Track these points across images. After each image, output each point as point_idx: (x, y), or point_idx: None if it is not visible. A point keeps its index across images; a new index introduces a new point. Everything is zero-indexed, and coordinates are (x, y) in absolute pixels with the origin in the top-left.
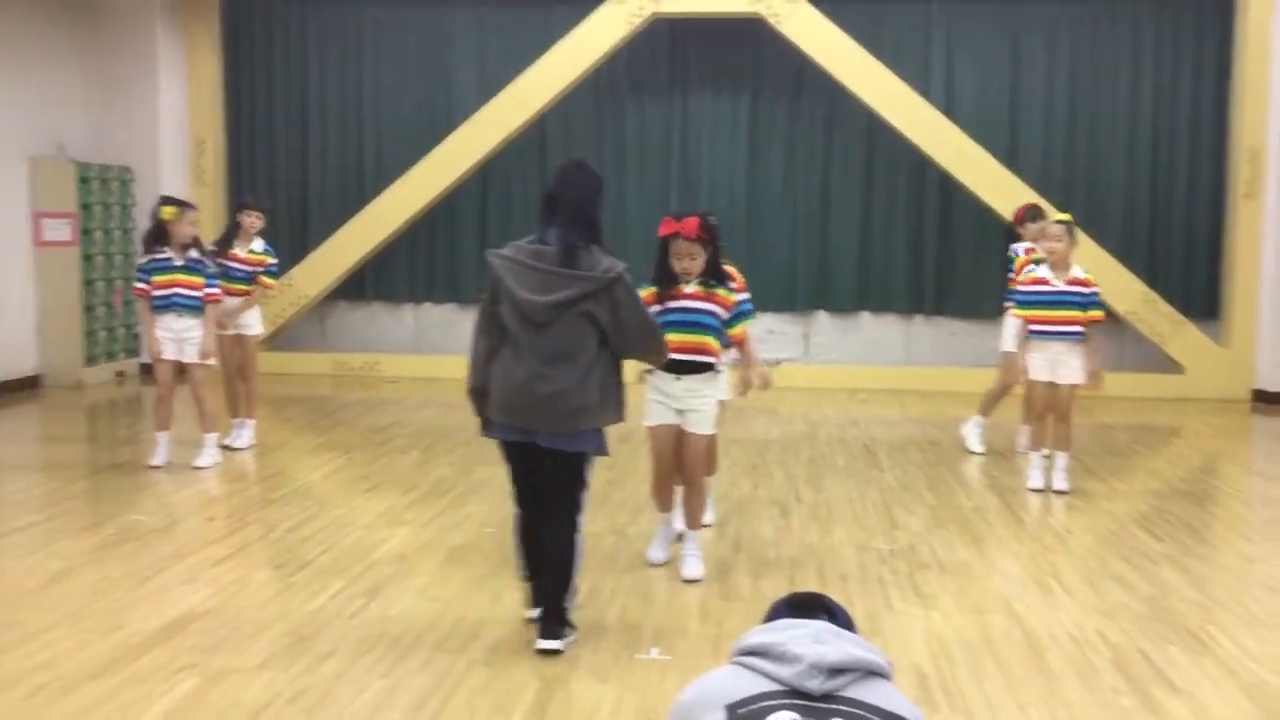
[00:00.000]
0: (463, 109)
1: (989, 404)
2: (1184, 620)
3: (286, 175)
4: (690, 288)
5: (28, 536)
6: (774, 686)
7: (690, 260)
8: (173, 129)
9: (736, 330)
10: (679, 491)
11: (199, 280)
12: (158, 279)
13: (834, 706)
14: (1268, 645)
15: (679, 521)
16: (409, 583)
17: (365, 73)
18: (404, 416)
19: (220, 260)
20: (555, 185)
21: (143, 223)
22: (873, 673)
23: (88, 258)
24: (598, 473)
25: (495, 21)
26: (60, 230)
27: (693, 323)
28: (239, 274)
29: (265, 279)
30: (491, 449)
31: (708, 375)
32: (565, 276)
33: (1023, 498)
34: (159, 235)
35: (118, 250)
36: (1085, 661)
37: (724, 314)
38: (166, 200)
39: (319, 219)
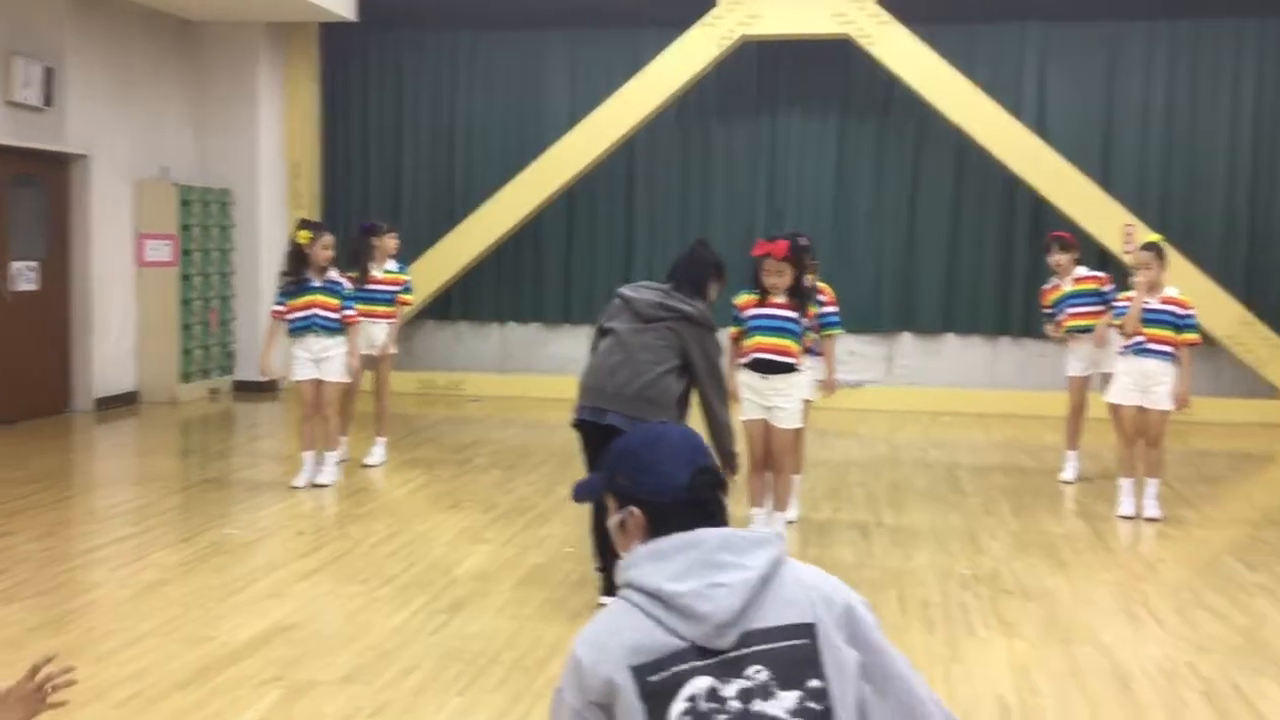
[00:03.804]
0: (552, 131)
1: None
2: (1279, 653)
3: (379, 197)
4: (778, 298)
5: (124, 548)
6: (679, 644)
7: (778, 277)
8: (271, 153)
9: (825, 335)
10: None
11: (336, 302)
12: (296, 301)
13: (751, 651)
14: None
15: (768, 506)
16: (488, 601)
17: (457, 96)
18: (487, 435)
19: (362, 285)
20: (678, 259)
21: (240, 244)
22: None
23: (186, 278)
24: None
25: (585, 45)
26: (161, 251)
27: (778, 327)
28: (381, 296)
29: (404, 297)
30: (573, 470)
31: (790, 375)
32: (676, 296)
33: (1112, 525)
34: (298, 258)
35: (215, 270)
36: (1175, 695)
37: (806, 322)
38: (304, 224)
39: (410, 240)
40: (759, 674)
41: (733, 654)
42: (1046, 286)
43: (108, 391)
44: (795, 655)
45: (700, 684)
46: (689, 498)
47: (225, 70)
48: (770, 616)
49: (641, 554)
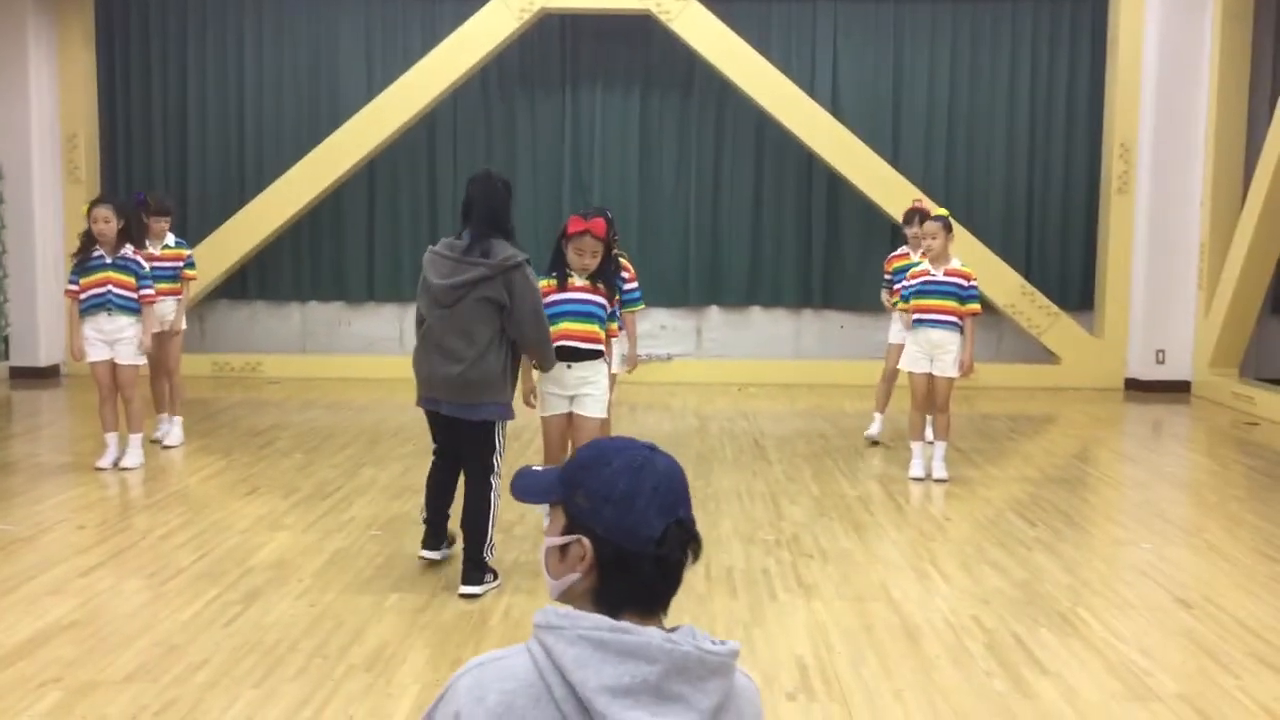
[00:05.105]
0: (348, 104)
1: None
2: (1055, 604)
3: (164, 171)
4: (581, 281)
5: None
6: None
7: (592, 258)
8: (44, 124)
9: (627, 311)
10: None
11: (132, 280)
12: (88, 279)
13: None
14: (1135, 626)
15: None
16: (287, 588)
17: (247, 66)
18: (287, 418)
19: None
20: (467, 192)
21: (11, 221)
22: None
23: None
24: None
25: (381, 14)
26: None
27: (584, 313)
28: (163, 272)
29: (189, 271)
30: (379, 450)
31: (596, 362)
32: (468, 263)
33: (904, 486)
34: (87, 234)
35: None
36: (960, 646)
37: (609, 307)
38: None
39: (199, 216)
40: None
41: None
42: (894, 254)
43: None
44: None
45: None
46: (656, 553)
47: None
48: None
49: (575, 627)
